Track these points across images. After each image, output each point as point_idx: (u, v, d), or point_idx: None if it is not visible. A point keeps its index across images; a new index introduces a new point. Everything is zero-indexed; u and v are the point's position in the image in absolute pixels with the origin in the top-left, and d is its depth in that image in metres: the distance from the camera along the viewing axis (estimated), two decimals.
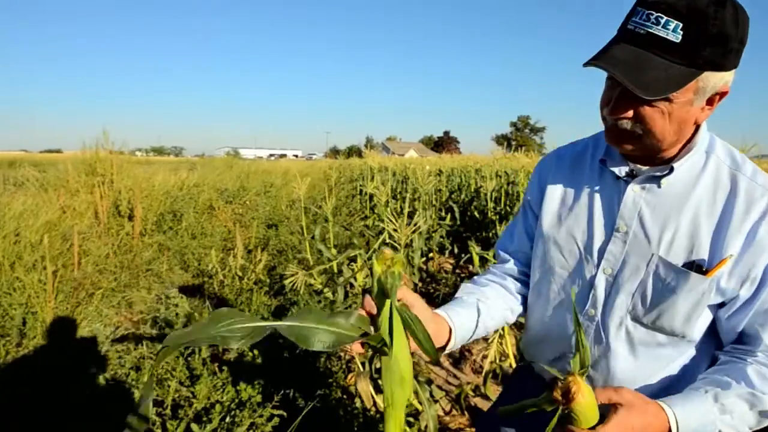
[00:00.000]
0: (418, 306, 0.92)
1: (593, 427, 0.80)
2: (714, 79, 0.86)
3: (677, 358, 1.02)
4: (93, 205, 5.89)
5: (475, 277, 1.28)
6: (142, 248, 5.47)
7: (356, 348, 0.88)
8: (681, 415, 0.85)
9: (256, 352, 2.91)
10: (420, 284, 5.29)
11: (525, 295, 1.24)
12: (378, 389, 2.90)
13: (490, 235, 6.48)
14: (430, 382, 3.03)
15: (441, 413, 2.93)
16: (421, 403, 2.52)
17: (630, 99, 0.88)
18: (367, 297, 0.88)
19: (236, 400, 2.41)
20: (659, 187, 0.98)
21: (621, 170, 1.02)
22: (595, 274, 1.03)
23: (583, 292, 1.06)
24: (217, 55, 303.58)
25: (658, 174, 0.97)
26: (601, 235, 1.04)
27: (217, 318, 0.72)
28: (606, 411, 0.84)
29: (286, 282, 3.43)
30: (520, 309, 1.23)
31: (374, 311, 0.86)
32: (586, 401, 0.78)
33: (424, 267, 5.84)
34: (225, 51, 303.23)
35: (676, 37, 0.82)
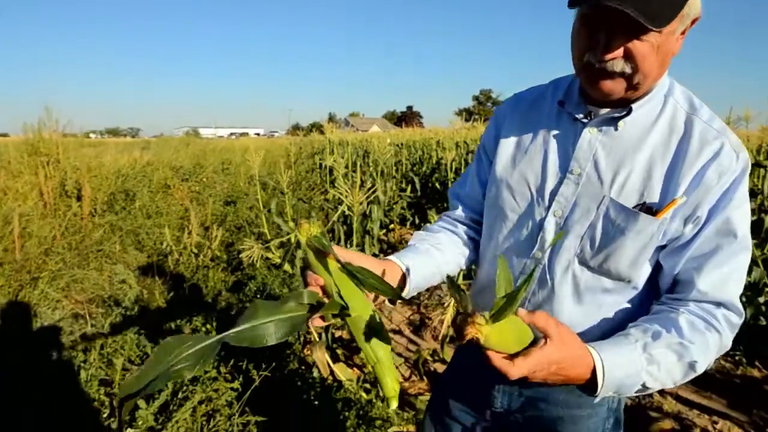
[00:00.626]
0: (357, 258, 0.89)
1: (516, 354, 0.77)
2: (695, 3, 0.83)
3: (621, 304, 1.00)
4: (37, 186, 5.61)
5: (428, 225, 1.25)
6: (91, 229, 5.26)
7: (316, 322, 0.85)
8: (608, 361, 0.82)
9: (210, 326, 2.85)
10: (380, 255, 5.29)
11: (477, 242, 1.21)
12: (336, 358, 2.89)
13: None
14: None
15: (401, 379, 2.95)
16: None
17: (622, 37, 0.83)
18: (308, 272, 0.85)
19: None
20: (616, 129, 0.96)
21: (578, 112, 1.00)
22: (545, 217, 1.01)
23: (531, 234, 1.03)
24: (179, 35, 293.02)
25: (616, 115, 0.95)
26: (554, 177, 1.01)
27: (165, 350, 0.69)
28: (538, 338, 0.80)
29: (243, 256, 3.35)
30: (473, 256, 1.21)
31: (321, 282, 0.84)
32: (489, 342, 0.73)
33: (385, 238, 5.84)
34: (190, 32, 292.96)
35: None
